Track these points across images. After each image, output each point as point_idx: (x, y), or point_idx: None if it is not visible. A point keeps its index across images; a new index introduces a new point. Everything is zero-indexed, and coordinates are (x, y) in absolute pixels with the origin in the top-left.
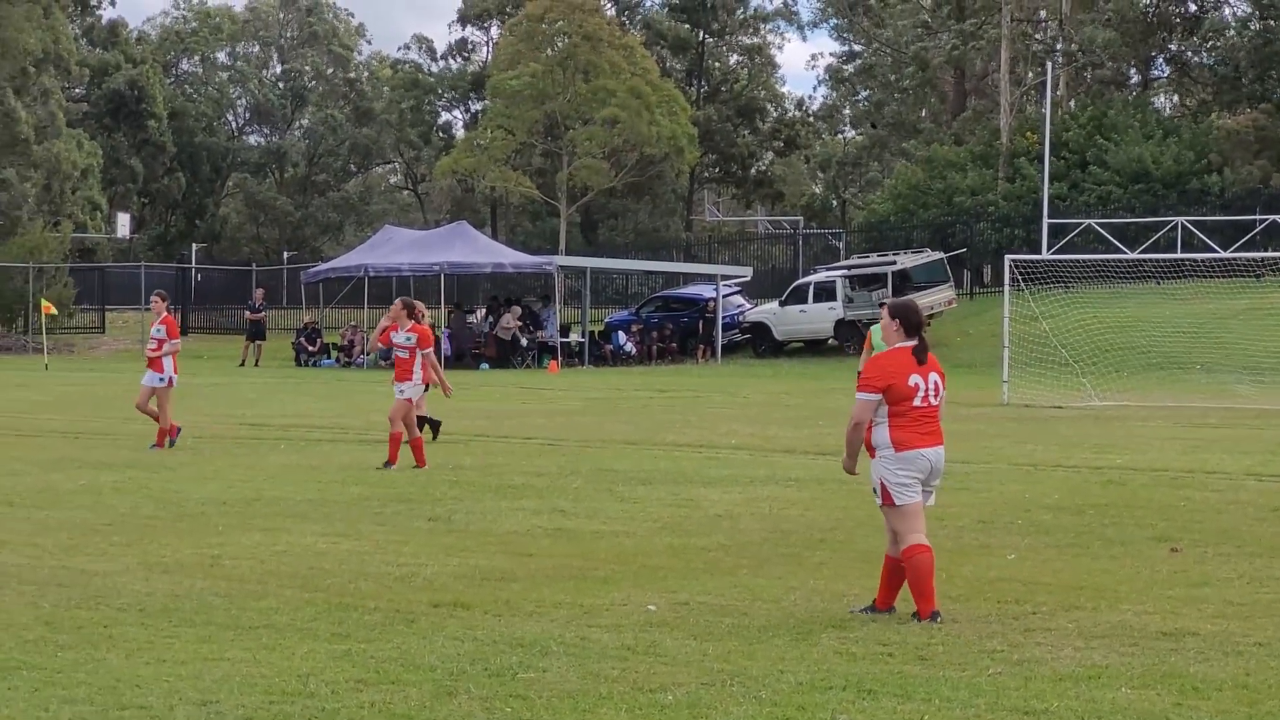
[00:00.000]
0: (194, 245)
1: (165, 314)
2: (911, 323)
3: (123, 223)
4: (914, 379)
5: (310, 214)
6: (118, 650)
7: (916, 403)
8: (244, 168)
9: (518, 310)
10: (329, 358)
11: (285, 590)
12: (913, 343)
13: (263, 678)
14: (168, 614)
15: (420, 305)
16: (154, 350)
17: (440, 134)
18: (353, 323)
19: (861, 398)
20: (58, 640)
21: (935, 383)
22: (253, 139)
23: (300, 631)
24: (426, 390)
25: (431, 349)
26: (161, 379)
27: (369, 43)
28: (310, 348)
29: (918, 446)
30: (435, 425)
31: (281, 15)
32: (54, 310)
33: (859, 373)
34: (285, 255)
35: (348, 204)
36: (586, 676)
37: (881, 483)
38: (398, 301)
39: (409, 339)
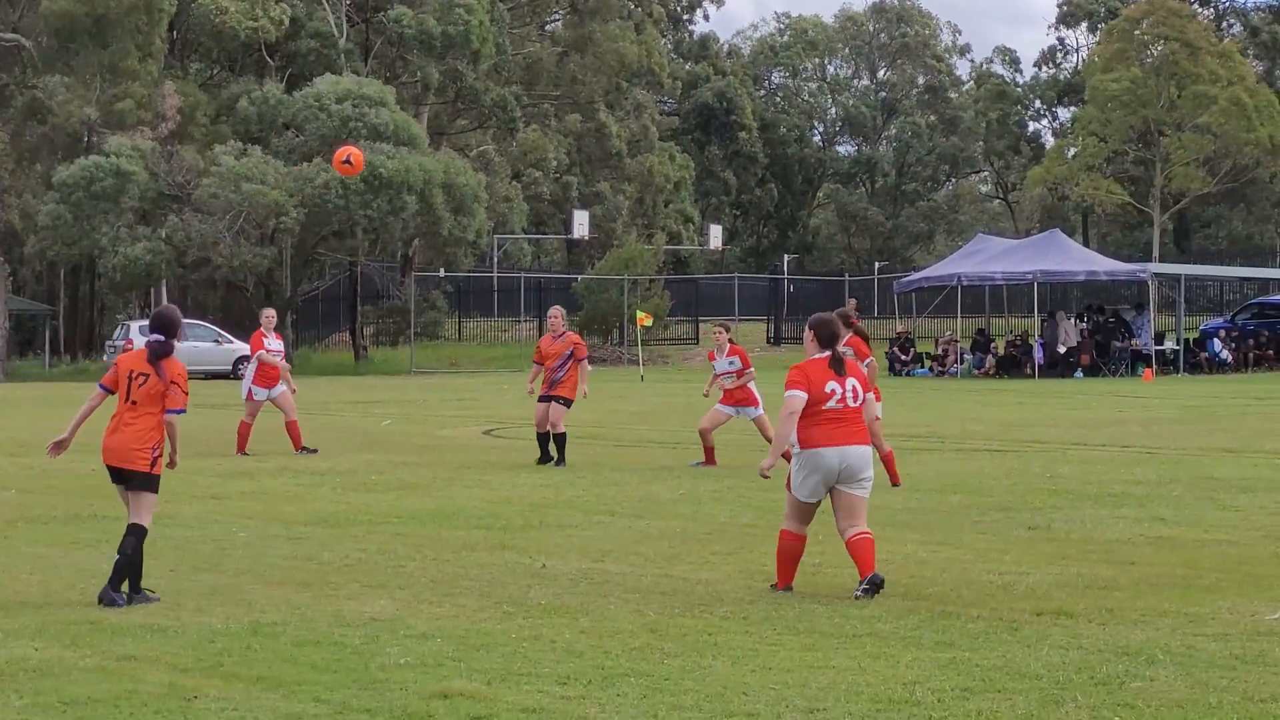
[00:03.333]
0: (785, 256)
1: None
2: (824, 336)
3: (715, 234)
4: (830, 385)
5: (900, 224)
6: (723, 657)
7: (831, 404)
8: (835, 178)
9: (1067, 319)
10: (922, 367)
11: (888, 598)
12: (827, 354)
13: (868, 685)
14: (771, 622)
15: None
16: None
17: (1028, 143)
18: (947, 331)
19: (792, 394)
20: (663, 648)
21: (854, 387)
22: (843, 149)
23: (904, 639)
24: None
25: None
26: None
27: (971, 60)
28: (903, 357)
29: (821, 445)
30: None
31: (872, 26)
32: (649, 322)
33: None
34: (876, 265)
35: (937, 213)
36: (1195, 685)
37: (789, 474)
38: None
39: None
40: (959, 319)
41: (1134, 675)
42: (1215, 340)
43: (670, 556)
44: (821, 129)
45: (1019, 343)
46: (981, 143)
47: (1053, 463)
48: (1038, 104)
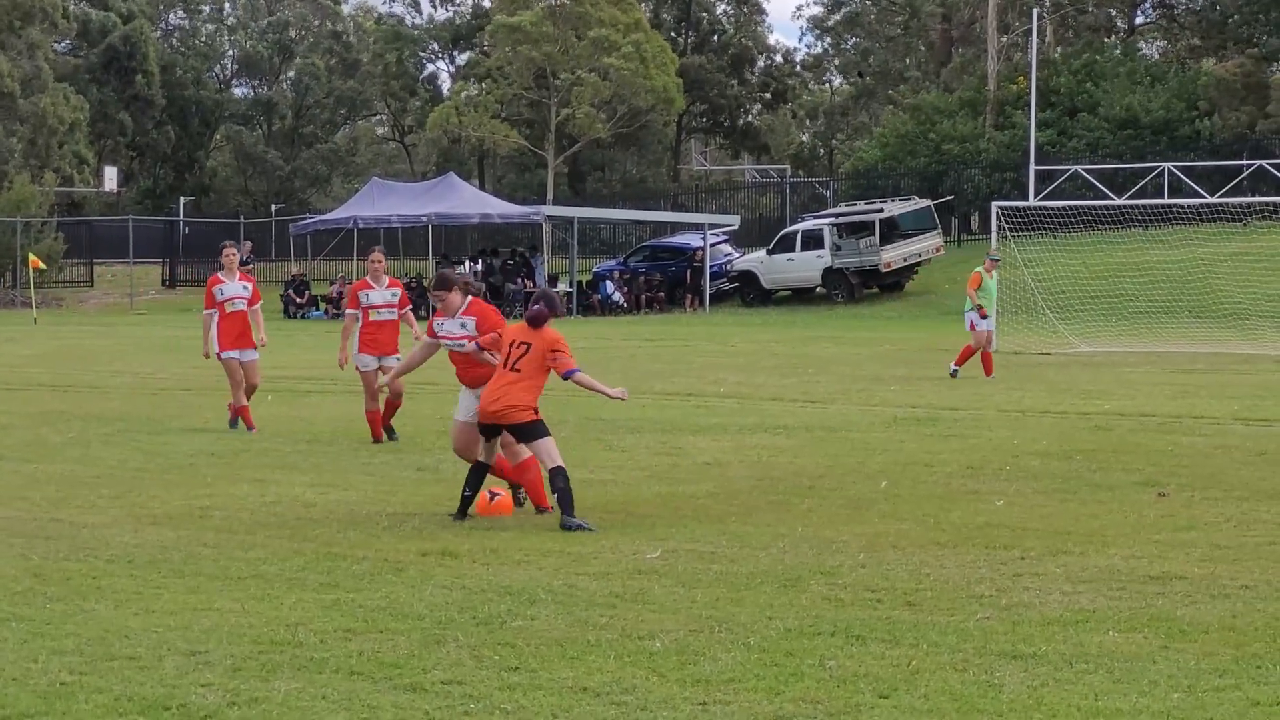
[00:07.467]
0: (182, 198)
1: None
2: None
3: (110, 176)
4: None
5: (298, 166)
6: (106, 601)
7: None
8: (232, 120)
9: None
10: (317, 309)
11: (274, 541)
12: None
13: (251, 627)
14: (156, 565)
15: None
16: None
17: (426, 86)
18: (341, 274)
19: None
20: (46, 592)
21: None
22: (240, 91)
23: (289, 581)
24: None
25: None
26: None
27: None
28: (299, 300)
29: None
30: None
31: None
32: (42, 264)
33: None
34: (274, 208)
35: (335, 156)
36: (575, 624)
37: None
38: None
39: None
40: (354, 261)
41: (515, 614)
42: (608, 282)
43: (57, 501)
44: (219, 70)
45: (413, 285)
46: (381, 84)
47: (443, 404)
48: (434, 46)
